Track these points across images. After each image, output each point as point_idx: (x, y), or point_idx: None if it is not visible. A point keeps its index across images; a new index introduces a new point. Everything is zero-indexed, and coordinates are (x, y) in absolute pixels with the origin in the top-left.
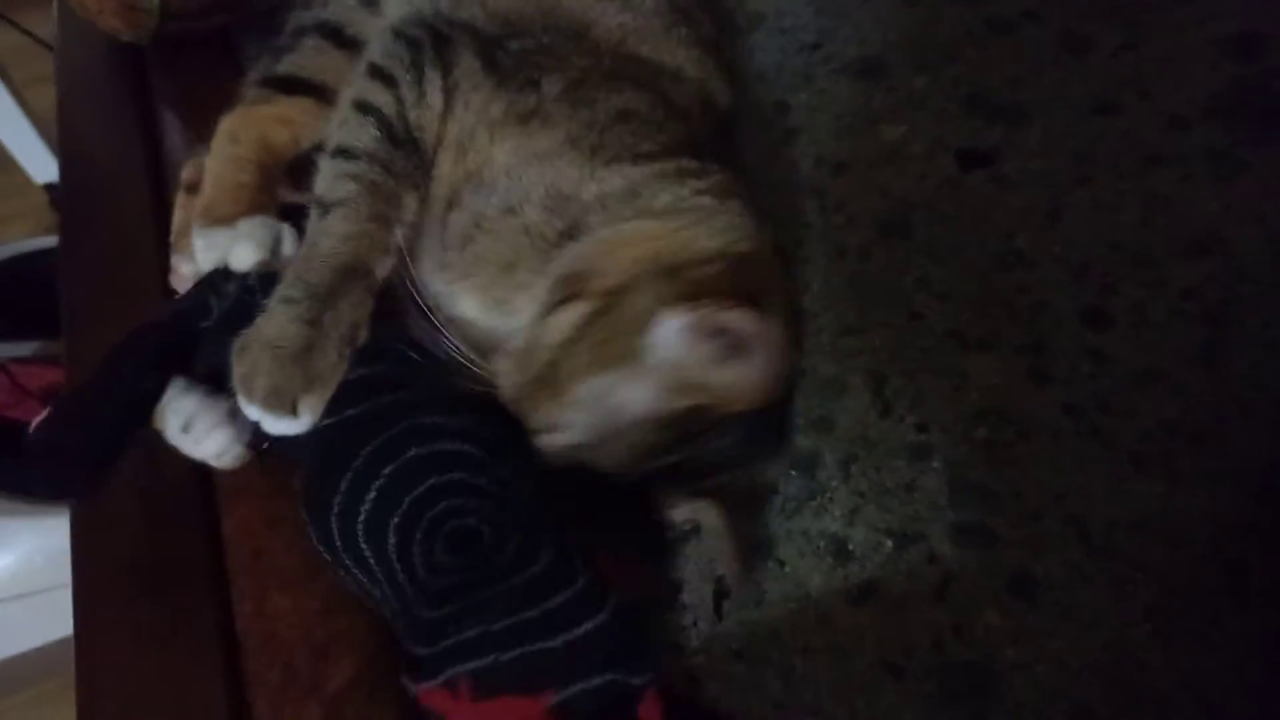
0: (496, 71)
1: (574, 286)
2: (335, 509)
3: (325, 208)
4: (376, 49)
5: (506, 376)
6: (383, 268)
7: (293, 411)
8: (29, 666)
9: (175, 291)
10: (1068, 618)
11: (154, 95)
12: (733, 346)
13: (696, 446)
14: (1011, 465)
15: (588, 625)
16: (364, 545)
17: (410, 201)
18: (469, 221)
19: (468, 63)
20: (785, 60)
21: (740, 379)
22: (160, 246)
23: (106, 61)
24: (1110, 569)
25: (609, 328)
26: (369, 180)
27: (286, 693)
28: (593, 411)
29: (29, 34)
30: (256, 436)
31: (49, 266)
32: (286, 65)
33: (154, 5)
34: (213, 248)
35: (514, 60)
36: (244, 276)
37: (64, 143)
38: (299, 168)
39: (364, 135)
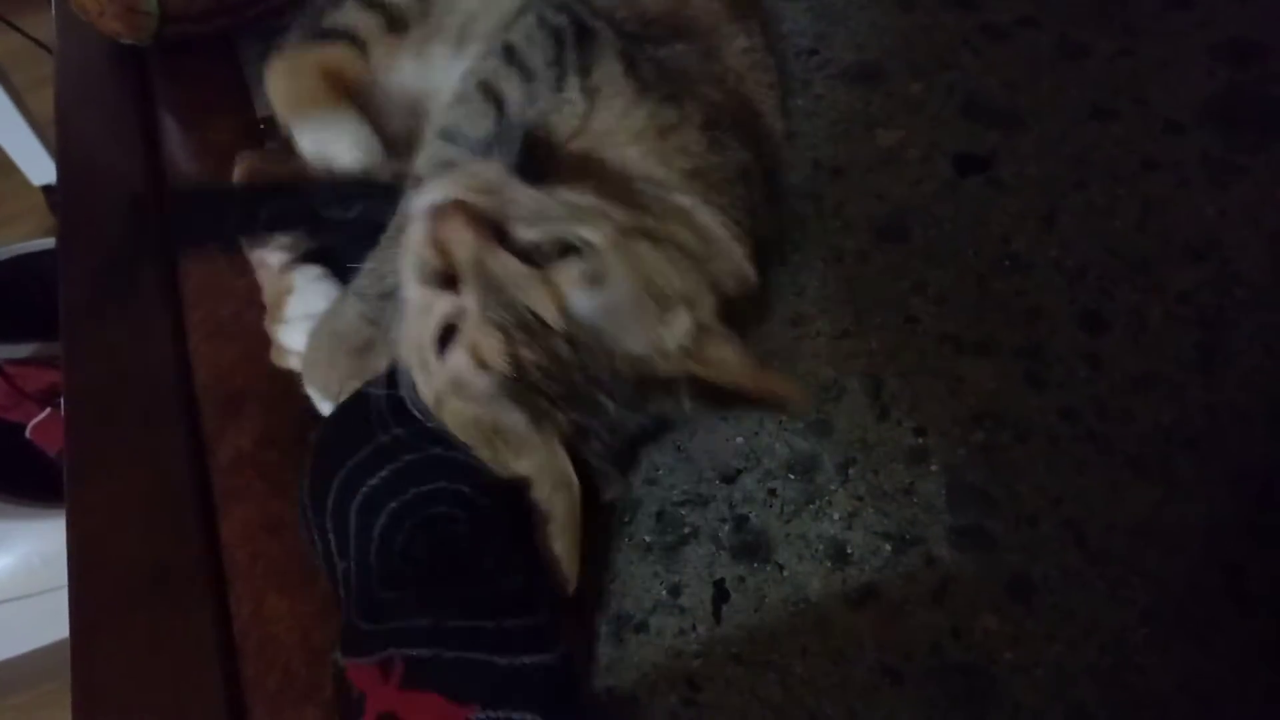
0: (638, 78)
1: None
2: (345, 471)
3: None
4: (518, 30)
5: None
6: None
7: (336, 398)
8: (26, 669)
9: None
10: (1065, 621)
11: (154, 99)
12: None
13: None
14: (1009, 469)
15: (535, 658)
16: (353, 515)
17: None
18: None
19: (609, 65)
20: (783, 65)
21: None
22: (160, 249)
23: (107, 64)
24: (1108, 573)
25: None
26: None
27: (284, 696)
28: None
29: (29, 37)
30: None
31: (47, 268)
32: (329, 21)
33: (154, 8)
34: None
35: (655, 70)
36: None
37: (63, 145)
38: None
39: (482, 126)
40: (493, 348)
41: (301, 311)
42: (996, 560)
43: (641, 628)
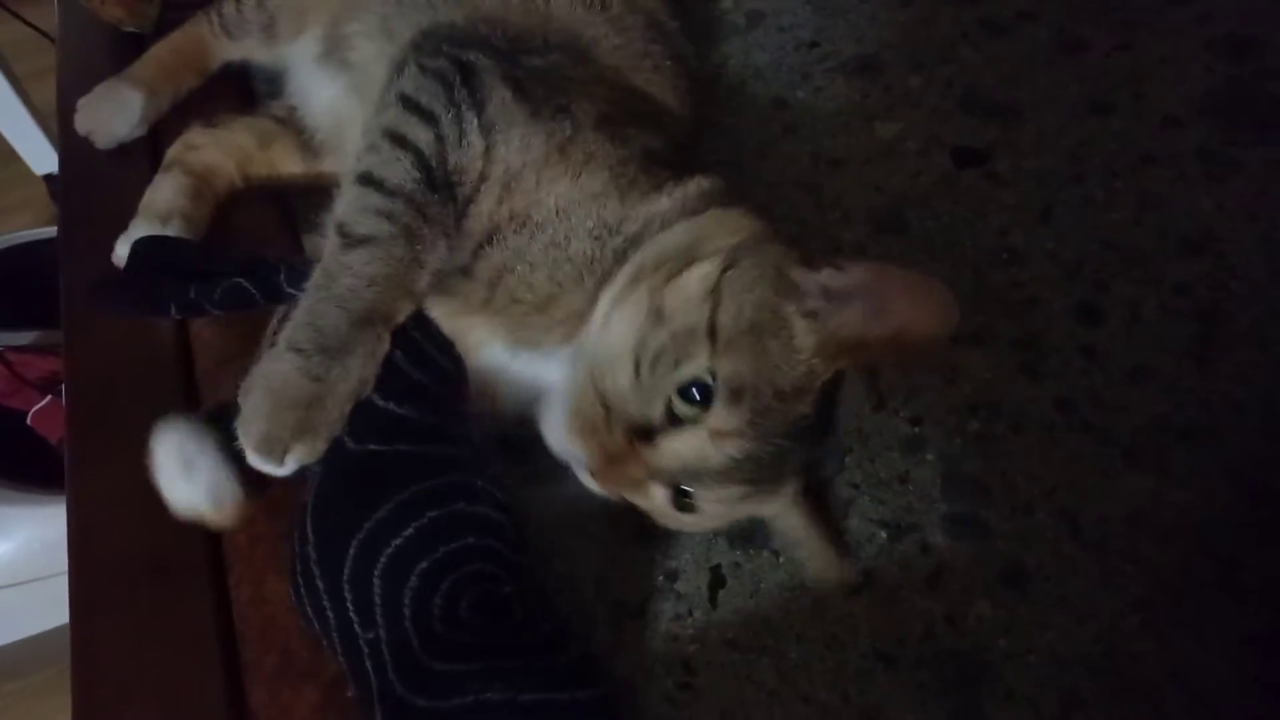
0: (527, 99)
1: (682, 257)
2: (362, 534)
3: (350, 240)
4: (407, 79)
5: (581, 421)
6: (405, 313)
7: (280, 459)
8: (25, 654)
9: None
10: (1059, 609)
11: None
12: (875, 299)
13: (830, 420)
14: (1004, 459)
15: None
16: (377, 580)
17: (442, 247)
18: (507, 258)
19: (499, 94)
20: (783, 58)
21: (884, 326)
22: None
23: (108, 52)
24: (1101, 561)
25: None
26: (403, 223)
27: (284, 678)
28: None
29: (31, 25)
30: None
31: (48, 256)
32: None
33: None
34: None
35: (538, 82)
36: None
37: (65, 133)
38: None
39: (399, 172)
40: (713, 498)
41: (175, 467)
42: (991, 548)
43: (638, 613)
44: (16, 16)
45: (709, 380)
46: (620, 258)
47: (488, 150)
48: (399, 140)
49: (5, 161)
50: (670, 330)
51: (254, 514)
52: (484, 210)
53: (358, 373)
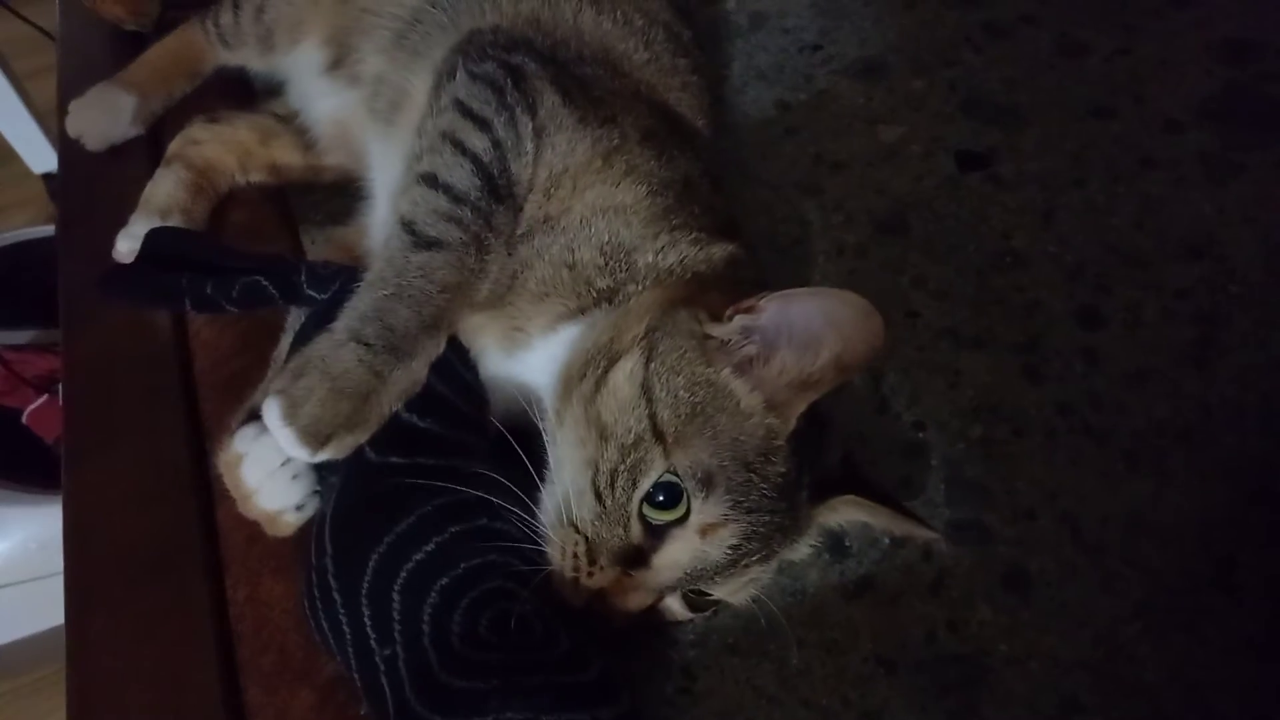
0: (575, 105)
1: (603, 356)
2: (382, 548)
3: (419, 241)
4: (459, 85)
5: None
6: (462, 319)
7: (319, 446)
8: (20, 655)
9: None
10: (1060, 613)
11: None
12: (799, 332)
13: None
14: (1006, 463)
15: None
16: (396, 595)
17: (503, 256)
18: (530, 256)
19: (549, 98)
20: (786, 60)
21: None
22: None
23: (109, 50)
24: (1102, 565)
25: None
26: (473, 232)
27: (280, 678)
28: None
29: (31, 24)
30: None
31: (46, 255)
32: None
33: None
34: None
35: (582, 90)
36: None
37: (65, 131)
38: None
39: (463, 178)
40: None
41: (264, 472)
42: (993, 553)
43: None
44: (16, 15)
45: (675, 480)
46: (608, 295)
47: (537, 154)
48: (457, 145)
49: (3, 160)
50: (618, 445)
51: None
52: (527, 214)
53: (415, 374)
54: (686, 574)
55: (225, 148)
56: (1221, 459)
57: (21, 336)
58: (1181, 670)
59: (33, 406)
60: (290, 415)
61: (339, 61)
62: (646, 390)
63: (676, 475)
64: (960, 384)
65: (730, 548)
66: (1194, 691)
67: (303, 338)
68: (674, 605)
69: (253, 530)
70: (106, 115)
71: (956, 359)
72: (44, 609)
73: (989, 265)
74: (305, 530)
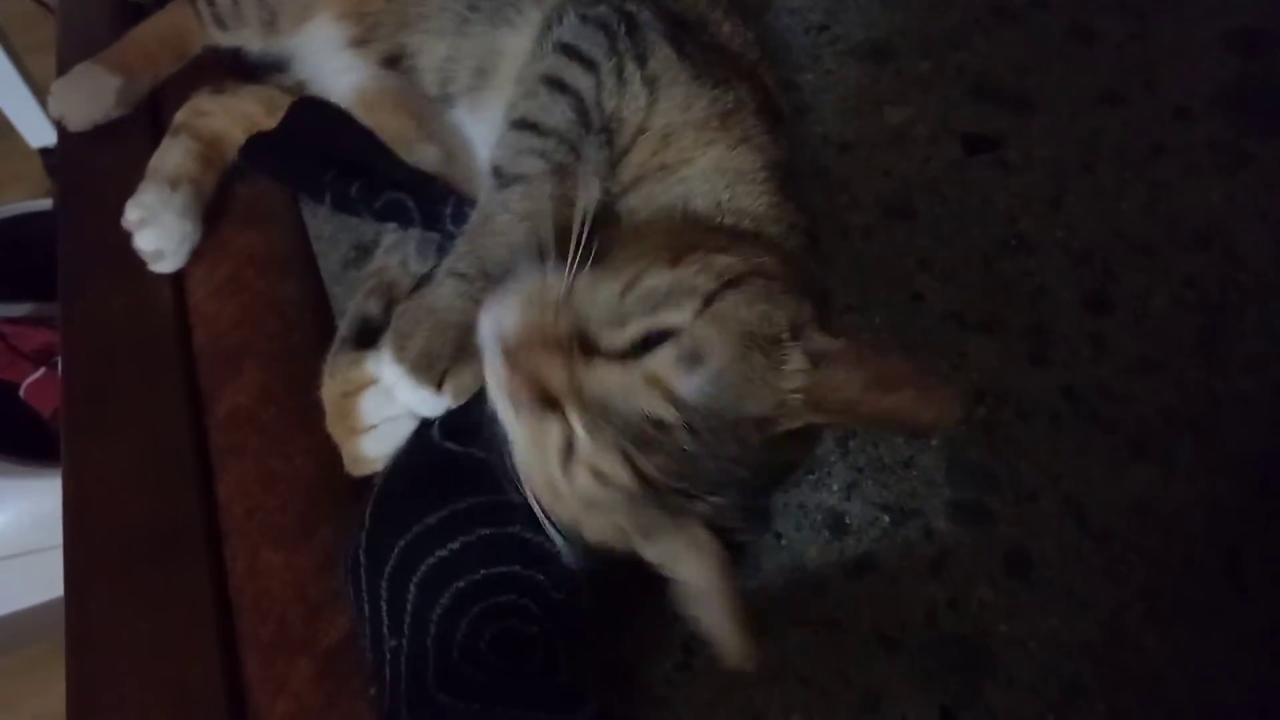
0: (690, 61)
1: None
2: (410, 535)
3: (504, 180)
4: (566, 29)
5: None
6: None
7: (438, 385)
8: (14, 630)
9: None
10: (1062, 596)
11: None
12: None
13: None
14: (1009, 446)
15: None
16: (413, 588)
17: (594, 187)
18: (640, 203)
19: (662, 52)
20: (793, 40)
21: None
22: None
23: (108, 23)
24: (1105, 550)
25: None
26: (556, 161)
27: (279, 649)
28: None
29: None
30: None
31: (44, 229)
32: None
33: None
34: None
35: (699, 52)
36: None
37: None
38: None
39: (556, 113)
40: (613, 467)
41: (392, 412)
42: (995, 535)
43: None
44: None
45: (680, 337)
46: (706, 240)
47: (651, 103)
48: (557, 85)
49: (1, 134)
50: (676, 278)
51: (249, 486)
52: (636, 160)
53: None
54: (604, 402)
55: (232, 119)
56: (1228, 448)
57: (19, 310)
58: (1184, 657)
59: (30, 380)
60: (399, 353)
61: (364, 39)
62: (730, 282)
63: (682, 335)
64: (965, 367)
65: (646, 420)
66: (1196, 678)
67: None
68: (554, 431)
69: (252, 502)
70: (90, 96)
71: (962, 342)
72: (40, 583)
73: (995, 249)
74: (305, 500)
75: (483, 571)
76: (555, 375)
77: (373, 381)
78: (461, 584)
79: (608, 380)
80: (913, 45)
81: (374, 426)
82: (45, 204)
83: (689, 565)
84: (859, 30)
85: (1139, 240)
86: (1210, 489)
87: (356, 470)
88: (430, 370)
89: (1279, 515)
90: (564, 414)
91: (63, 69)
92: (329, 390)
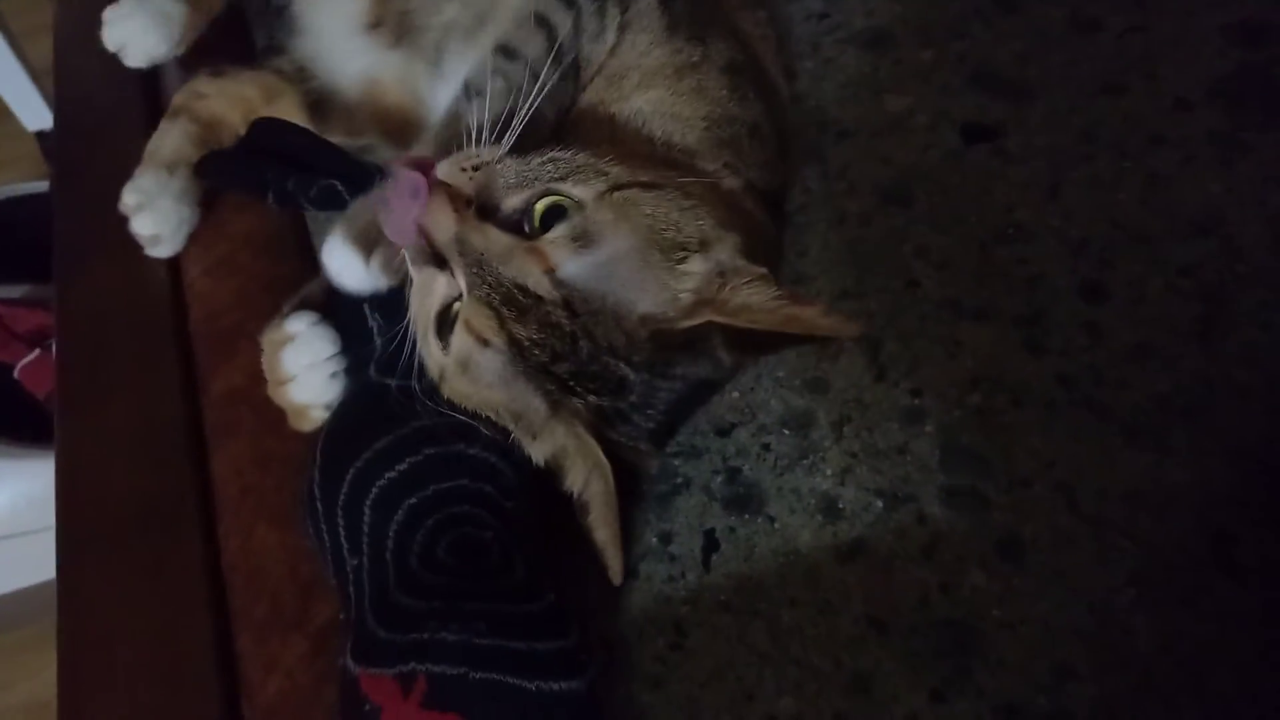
0: (669, 13)
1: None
2: (360, 462)
3: (469, 94)
4: None
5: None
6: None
7: (367, 257)
8: (7, 612)
9: None
10: (1054, 581)
11: None
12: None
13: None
14: (1003, 432)
15: (566, 684)
16: (367, 509)
17: (548, 114)
18: (573, 141)
19: (646, 1)
20: (792, 27)
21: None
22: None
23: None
24: (1098, 536)
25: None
26: (515, 83)
27: (272, 626)
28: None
29: None
30: None
31: (39, 211)
32: None
33: None
34: None
35: (687, 7)
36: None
37: (61, 87)
38: None
39: (532, 45)
40: (488, 326)
41: (306, 361)
42: (987, 520)
43: (632, 573)
44: None
45: (572, 212)
46: (634, 150)
47: (616, 46)
48: (541, 20)
49: None
50: (590, 158)
51: (243, 465)
52: (584, 99)
53: None
54: (482, 257)
55: (230, 103)
56: (1223, 436)
57: (14, 292)
58: (1175, 642)
59: (24, 362)
60: (344, 230)
61: (380, 21)
62: (636, 177)
63: (580, 212)
64: (960, 354)
65: (517, 287)
66: (1187, 663)
67: None
68: (440, 283)
69: (246, 481)
70: (155, 24)
71: (957, 329)
72: (33, 565)
73: (992, 237)
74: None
75: (433, 487)
76: (444, 229)
77: (290, 338)
78: (414, 500)
79: (491, 242)
80: (913, 34)
81: (294, 376)
82: (41, 186)
83: (574, 471)
84: (859, 18)
85: (1136, 230)
86: (1204, 475)
87: (301, 424)
88: (363, 243)
89: (1271, 501)
90: (453, 272)
91: (60, 46)
92: (265, 358)
